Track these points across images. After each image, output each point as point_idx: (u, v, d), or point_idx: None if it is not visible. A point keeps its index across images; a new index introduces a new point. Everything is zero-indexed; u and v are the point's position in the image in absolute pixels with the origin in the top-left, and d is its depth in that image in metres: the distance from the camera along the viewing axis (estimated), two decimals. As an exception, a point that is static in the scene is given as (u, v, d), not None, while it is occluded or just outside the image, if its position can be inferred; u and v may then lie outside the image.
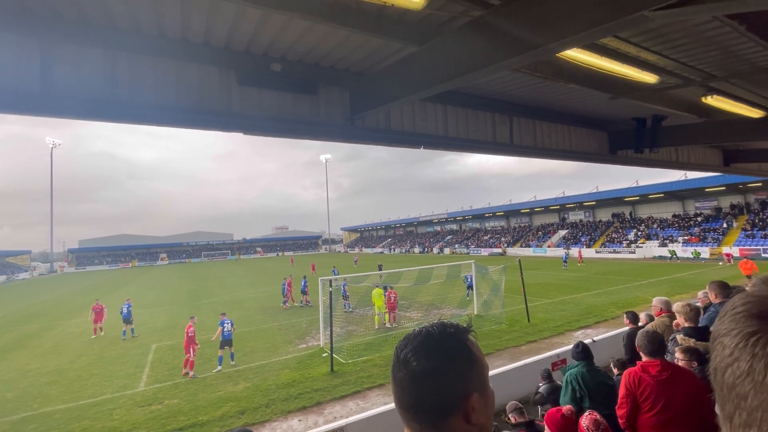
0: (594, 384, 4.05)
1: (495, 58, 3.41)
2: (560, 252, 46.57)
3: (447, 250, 65.72)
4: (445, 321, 0.91)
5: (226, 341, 11.01)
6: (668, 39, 4.27)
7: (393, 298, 14.75)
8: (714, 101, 5.91)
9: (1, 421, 8.33)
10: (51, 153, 77.40)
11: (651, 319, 6.46)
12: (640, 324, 6.63)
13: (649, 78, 4.80)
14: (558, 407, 3.58)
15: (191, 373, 10.45)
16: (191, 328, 10.80)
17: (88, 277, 55.80)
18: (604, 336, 9.41)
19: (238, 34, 4.14)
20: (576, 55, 4.00)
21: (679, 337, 3.73)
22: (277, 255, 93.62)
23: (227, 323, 11.08)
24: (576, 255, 38.03)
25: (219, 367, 10.81)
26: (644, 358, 3.19)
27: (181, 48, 4.22)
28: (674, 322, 4.54)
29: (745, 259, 20.09)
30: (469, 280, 17.57)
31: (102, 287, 38.48)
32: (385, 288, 14.83)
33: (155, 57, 4.16)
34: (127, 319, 15.37)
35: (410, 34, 3.88)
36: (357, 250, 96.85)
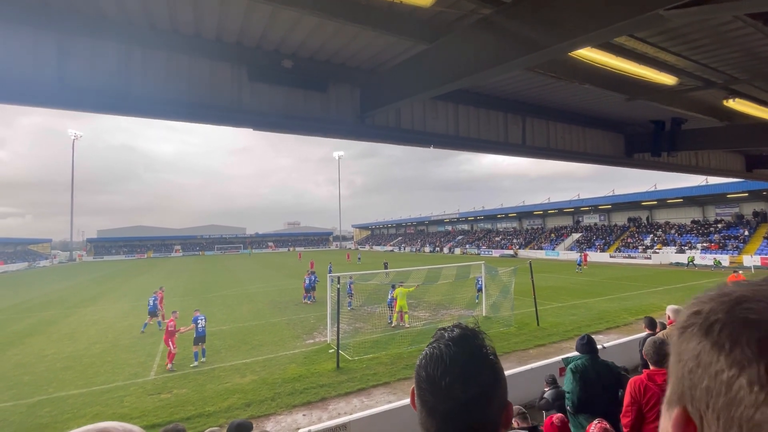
0: (597, 376, 3.97)
1: (506, 57, 3.36)
2: (574, 255, 45.88)
3: (458, 251, 65.31)
4: (466, 331, 0.88)
5: (200, 338, 11.01)
6: (688, 39, 4.13)
7: (390, 298, 14.79)
8: (736, 104, 5.71)
9: (19, 403, 8.62)
10: (73, 145, 79.75)
11: (663, 327, 6.31)
12: (658, 331, 6.48)
13: (668, 80, 4.66)
14: (551, 415, 3.52)
15: (169, 365, 10.45)
16: (172, 323, 10.92)
17: (105, 267, 57.36)
18: (614, 342, 9.23)
19: (249, 29, 4.16)
20: (591, 54, 3.90)
21: None
22: (288, 250, 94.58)
23: (201, 319, 11.14)
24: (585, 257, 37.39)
25: (195, 363, 10.75)
26: (651, 367, 3.11)
27: (193, 43, 4.27)
28: None
29: (735, 273, 15.72)
30: (479, 282, 17.41)
31: (119, 276, 39.50)
32: (393, 286, 14.87)
33: (168, 52, 4.22)
34: (153, 312, 15.23)
35: (420, 32, 3.85)
36: (367, 247, 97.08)
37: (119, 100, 3.97)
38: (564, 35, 2.91)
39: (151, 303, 15.32)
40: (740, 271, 15.51)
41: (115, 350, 12.50)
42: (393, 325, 14.53)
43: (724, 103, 5.71)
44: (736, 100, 5.57)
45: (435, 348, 0.86)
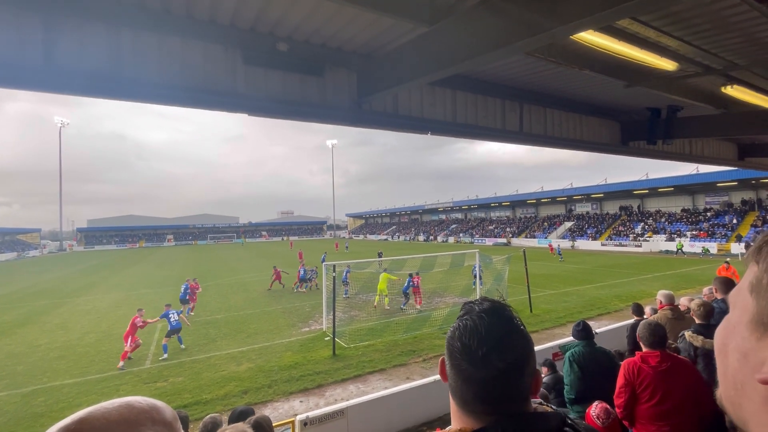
0: (595, 363, 4.02)
1: (506, 40, 3.29)
2: (566, 244, 46.40)
3: (451, 239, 65.67)
4: (496, 304, 0.92)
5: (174, 330, 10.96)
6: (691, 24, 4.08)
7: (417, 282, 15.44)
8: (734, 91, 5.71)
9: (13, 393, 8.57)
10: (59, 132, 77.93)
11: (655, 312, 6.42)
12: (644, 316, 6.60)
13: (668, 65, 4.63)
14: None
15: (120, 364, 9.89)
16: (138, 319, 10.47)
17: (96, 256, 56.73)
18: (606, 328, 9.40)
19: (243, 10, 4.02)
20: (592, 38, 3.84)
21: (688, 333, 3.67)
22: (282, 239, 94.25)
23: (173, 314, 11.07)
24: (567, 246, 37.79)
25: (165, 355, 10.53)
26: (644, 349, 3.15)
27: (185, 25, 4.11)
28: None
29: (726, 264, 15.56)
30: (475, 269, 17.87)
31: (111, 266, 39.12)
32: (410, 275, 15.54)
33: (159, 34, 4.07)
34: (184, 300, 14.92)
35: (420, 14, 3.75)
36: (361, 236, 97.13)
37: (109, 83, 3.84)
38: (567, 17, 2.84)
39: (183, 290, 14.99)
40: (729, 260, 15.71)
41: (109, 340, 12.43)
42: (375, 305, 15.48)
43: (722, 89, 5.71)
44: (734, 86, 5.57)
45: (468, 320, 0.88)
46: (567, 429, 0.83)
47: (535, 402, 0.91)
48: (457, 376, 0.85)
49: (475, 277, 17.79)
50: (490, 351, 0.82)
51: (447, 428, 0.87)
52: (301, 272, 20.16)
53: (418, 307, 15.19)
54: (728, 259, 17.31)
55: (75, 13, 3.69)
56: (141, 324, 10.50)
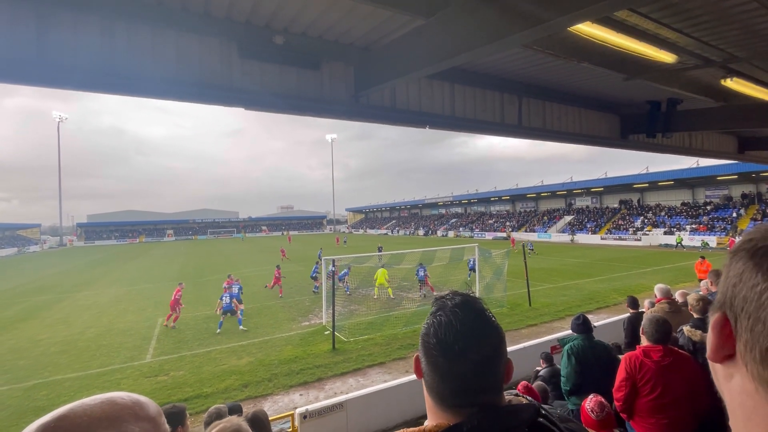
0: (594, 357, 4.04)
1: (504, 32, 3.26)
2: (565, 237, 46.44)
3: (451, 233, 65.72)
4: (467, 297, 0.93)
5: (227, 311, 12.64)
6: (690, 15, 4.04)
7: (422, 273, 16.88)
8: (733, 84, 5.67)
9: (14, 387, 8.63)
10: (58, 127, 77.68)
11: (653, 305, 6.45)
12: (641, 309, 6.63)
13: (668, 57, 4.59)
14: (526, 383, 3.57)
15: (173, 325, 12.64)
16: (179, 293, 13.01)
17: (97, 251, 56.80)
18: (604, 322, 9.44)
19: (239, 2, 3.98)
20: (591, 30, 3.81)
21: (686, 328, 3.68)
22: (282, 234, 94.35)
23: (225, 297, 12.78)
24: (566, 240, 37.70)
25: (218, 330, 12.17)
26: (646, 343, 3.15)
27: (180, 17, 4.07)
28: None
29: (701, 259, 15.17)
30: (471, 262, 18.45)
31: (111, 261, 39.19)
32: (422, 266, 16.86)
33: (154, 26, 4.03)
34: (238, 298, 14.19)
35: (417, 5, 3.71)
36: (361, 231, 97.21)
37: (104, 77, 3.80)
38: (565, 7, 2.81)
39: (236, 290, 13.94)
40: (705, 257, 15.56)
41: (110, 334, 12.49)
42: (375, 297, 16.53)
43: (722, 82, 5.67)
44: (734, 79, 5.53)
45: (442, 315, 0.88)
46: (541, 420, 0.84)
47: (510, 394, 0.92)
48: (433, 372, 0.85)
49: (471, 270, 18.34)
50: (466, 345, 0.83)
51: (422, 426, 0.86)
52: (277, 274, 18.22)
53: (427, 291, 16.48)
54: (703, 254, 17.06)
55: (68, 5, 3.65)
56: (179, 296, 13.07)
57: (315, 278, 18.32)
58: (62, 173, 79.09)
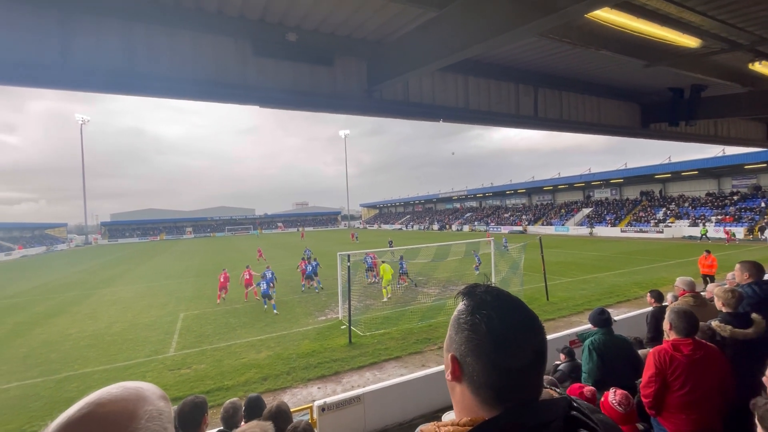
0: (616, 351, 3.96)
1: (518, 22, 3.19)
2: (584, 230, 45.46)
3: (466, 228, 65.20)
4: (498, 290, 0.91)
5: (265, 295, 14.13)
6: (715, -3, 3.88)
7: (405, 267, 17.50)
8: (762, 68, 5.42)
9: (48, 379, 9.04)
10: (81, 129, 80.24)
11: (676, 299, 6.27)
12: (664, 303, 6.45)
13: (691, 42, 4.43)
14: (580, 384, 3.53)
15: (257, 297, 15.01)
16: (247, 273, 16.05)
17: (120, 249, 58.68)
18: (624, 316, 9.24)
19: (252, 1, 4.02)
20: (609, 16, 3.70)
21: (715, 323, 3.55)
22: (297, 230, 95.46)
23: (263, 283, 14.16)
24: (585, 233, 36.77)
25: (275, 312, 13.76)
26: (674, 337, 3.06)
27: (195, 18, 4.14)
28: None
29: (705, 253, 14.30)
30: (478, 259, 19.58)
31: (134, 258, 40.43)
32: (403, 260, 17.30)
33: (170, 28, 4.11)
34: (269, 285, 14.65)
35: (429, -3, 3.67)
36: (375, 226, 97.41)
37: (125, 79, 3.91)
38: (583, -6, 2.74)
39: (269, 275, 14.78)
40: (710, 251, 14.79)
41: (134, 329, 12.92)
42: (385, 300, 15.87)
43: (750, 66, 5.43)
44: (763, 62, 5.29)
45: (491, 311, 0.84)
46: (574, 413, 0.83)
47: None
48: (491, 370, 0.80)
49: (478, 262, 19.47)
50: (528, 334, 0.82)
51: (451, 419, 0.82)
52: (309, 269, 18.56)
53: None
54: (708, 249, 15.83)
55: (90, 10, 3.75)
56: (249, 277, 15.96)
57: (310, 277, 18.21)
58: (86, 173, 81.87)
